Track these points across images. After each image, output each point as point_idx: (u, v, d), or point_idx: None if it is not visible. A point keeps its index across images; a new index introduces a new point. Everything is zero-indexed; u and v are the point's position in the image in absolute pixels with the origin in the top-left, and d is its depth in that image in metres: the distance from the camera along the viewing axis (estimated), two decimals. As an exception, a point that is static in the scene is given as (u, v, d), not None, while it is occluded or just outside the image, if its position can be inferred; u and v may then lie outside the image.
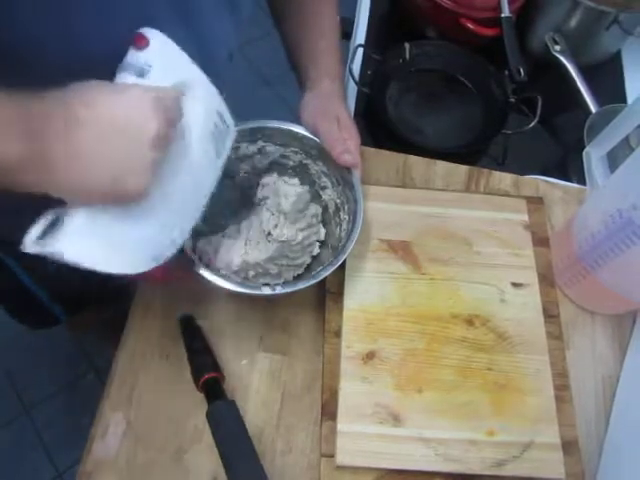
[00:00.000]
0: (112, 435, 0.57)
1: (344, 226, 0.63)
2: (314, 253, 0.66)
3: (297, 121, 0.63)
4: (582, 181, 0.78)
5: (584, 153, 0.78)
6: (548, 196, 0.75)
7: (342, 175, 0.62)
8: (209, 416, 0.55)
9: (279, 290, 0.55)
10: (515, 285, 0.66)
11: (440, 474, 0.56)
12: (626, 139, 0.73)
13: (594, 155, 0.76)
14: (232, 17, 0.57)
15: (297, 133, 0.62)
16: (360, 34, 0.96)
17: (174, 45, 0.44)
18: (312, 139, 0.62)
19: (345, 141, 0.60)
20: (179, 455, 0.57)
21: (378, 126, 0.84)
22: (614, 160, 0.75)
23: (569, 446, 0.57)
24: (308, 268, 0.67)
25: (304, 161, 0.65)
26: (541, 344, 0.62)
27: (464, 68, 0.88)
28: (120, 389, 0.60)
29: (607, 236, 0.59)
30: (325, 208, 0.68)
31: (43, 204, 0.41)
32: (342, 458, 0.55)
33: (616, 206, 0.57)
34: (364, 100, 0.86)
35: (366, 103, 0.86)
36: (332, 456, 0.56)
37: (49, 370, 1.41)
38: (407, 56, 0.87)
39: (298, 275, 0.66)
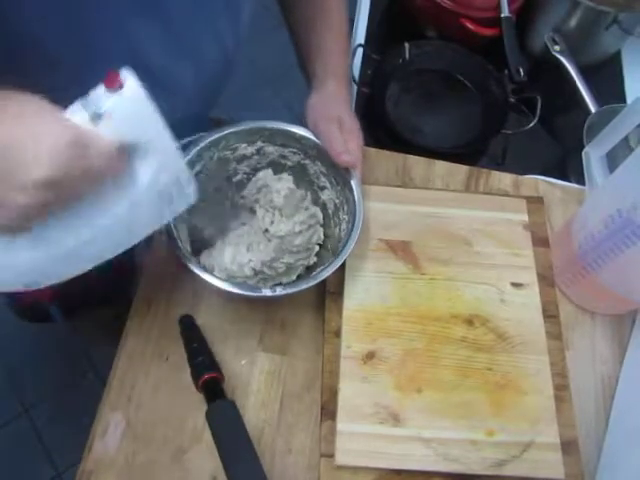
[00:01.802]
0: (112, 435, 0.58)
1: (343, 226, 0.63)
2: (313, 260, 0.66)
3: (297, 121, 0.63)
4: (582, 181, 0.78)
5: (583, 153, 0.78)
6: (548, 196, 0.75)
7: (341, 175, 0.62)
8: (209, 416, 0.55)
9: (279, 291, 0.55)
10: (515, 285, 0.66)
11: (440, 474, 0.56)
12: (625, 139, 0.73)
13: (593, 155, 0.76)
14: (226, 14, 0.57)
15: (295, 133, 0.62)
16: (360, 34, 0.96)
17: (147, 98, 0.39)
18: (311, 139, 0.62)
19: (346, 142, 0.60)
20: (179, 455, 0.57)
21: (378, 126, 0.84)
22: (614, 160, 0.75)
23: (569, 446, 0.57)
24: (308, 268, 0.67)
25: (302, 161, 0.65)
26: (541, 344, 0.62)
27: (464, 68, 0.88)
28: (120, 389, 0.60)
29: (607, 236, 0.59)
30: (324, 208, 0.67)
31: None
32: (342, 458, 0.55)
33: (616, 206, 0.57)
34: (364, 100, 0.86)
35: (366, 103, 0.86)
36: (332, 456, 0.56)
37: (49, 370, 1.41)
38: (407, 56, 0.87)
39: (298, 275, 0.66)
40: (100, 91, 0.38)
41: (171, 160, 0.45)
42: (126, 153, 0.41)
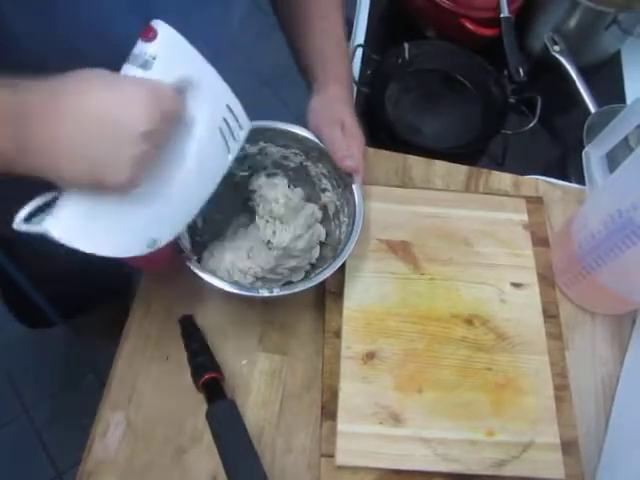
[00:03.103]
0: (112, 435, 0.58)
1: (343, 228, 0.63)
2: (316, 255, 0.66)
3: (297, 122, 0.63)
4: (582, 181, 0.78)
5: (584, 153, 0.78)
6: (548, 196, 0.75)
7: (342, 177, 0.62)
8: (209, 416, 0.55)
9: (276, 292, 0.55)
10: (515, 285, 0.66)
11: (440, 474, 0.56)
12: (625, 139, 0.73)
13: (593, 155, 0.76)
14: (217, 10, 0.56)
15: (298, 134, 0.62)
16: (359, 34, 0.96)
17: (182, 39, 0.44)
18: (313, 141, 0.62)
19: (348, 146, 0.60)
20: (179, 455, 0.57)
21: (377, 126, 0.84)
22: (614, 160, 0.75)
23: (569, 446, 0.57)
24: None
25: (304, 163, 0.65)
26: (541, 344, 0.62)
27: (464, 68, 0.88)
28: (120, 389, 0.60)
29: (607, 236, 0.59)
30: (325, 210, 0.67)
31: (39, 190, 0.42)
32: (342, 458, 0.55)
33: (616, 206, 0.57)
34: (363, 100, 0.86)
35: (365, 103, 0.86)
36: (332, 456, 0.56)
37: (49, 370, 1.41)
38: (406, 56, 0.87)
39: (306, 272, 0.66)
40: (140, 45, 0.43)
41: (220, 92, 0.48)
42: (181, 91, 0.44)
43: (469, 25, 0.87)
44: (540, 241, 0.70)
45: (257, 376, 0.62)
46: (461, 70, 0.89)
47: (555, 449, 0.57)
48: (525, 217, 0.70)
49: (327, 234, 0.67)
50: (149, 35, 0.42)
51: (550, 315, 0.65)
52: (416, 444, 0.56)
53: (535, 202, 0.72)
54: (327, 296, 0.64)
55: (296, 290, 0.55)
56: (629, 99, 0.92)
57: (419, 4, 0.91)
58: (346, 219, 0.62)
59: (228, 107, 0.49)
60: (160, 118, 0.41)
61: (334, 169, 0.62)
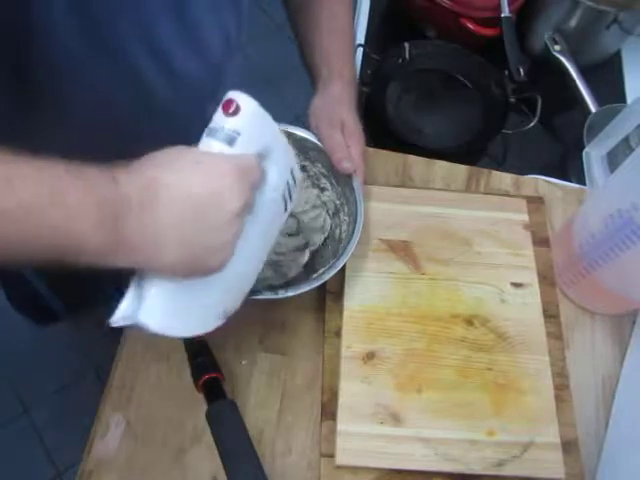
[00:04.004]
0: (112, 435, 0.57)
1: (344, 227, 0.63)
2: (318, 242, 0.66)
3: (297, 122, 0.63)
4: (582, 181, 0.78)
5: (584, 153, 0.78)
6: (548, 196, 0.75)
7: (342, 177, 0.62)
8: (209, 416, 0.55)
9: (282, 294, 0.55)
10: (515, 285, 0.66)
11: (440, 474, 0.56)
12: (626, 139, 0.73)
13: (594, 155, 0.76)
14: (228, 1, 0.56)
15: (295, 135, 0.62)
16: (360, 34, 0.96)
17: (262, 110, 0.44)
18: (311, 141, 0.62)
19: (347, 147, 0.59)
20: (179, 455, 0.57)
21: (378, 126, 0.84)
22: (614, 160, 0.75)
23: (569, 446, 0.58)
24: (309, 268, 0.67)
25: (302, 163, 0.65)
26: (541, 344, 0.62)
27: (464, 68, 0.88)
28: (120, 389, 0.60)
29: (607, 236, 0.59)
30: (324, 209, 0.67)
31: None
32: (342, 458, 0.55)
33: (616, 206, 0.57)
34: (364, 100, 0.86)
35: (366, 103, 0.86)
36: (332, 456, 0.56)
37: (49, 370, 1.41)
38: (407, 56, 0.87)
39: (298, 275, 0.66)
40: (221, 118, 0.42)
41: (287, 155, 0.49)
42: (261, 159, 0.45)
43: (470, 25, 0.87)
44: (540, 241, 0.70)
45: (257, 376, 0.62)
46: (461, 70, 0.89)
47: (555, 449, 0.57)
48: (525, 217, 0.70)
49: (327, 235, 0.67)
50: (231, 109, 0.42)
51: (550, 315, 0.65)
52: (416, 444, 0.56)
53: (536, 202, 0.72)
54: (327, 296, 0.64)
55: (300, 291, 0.55)
56: (629, 99, 0.92)
57: (419, 4, 0.91)
58: (346, 218, 0.62)
59: (291, 171, 0.50)
60: (249, 190, 0.41)
61: (333, 168, 0.62)
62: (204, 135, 0.43)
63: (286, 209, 0.51)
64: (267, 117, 0.45)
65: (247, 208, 0.42)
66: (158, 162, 0.39)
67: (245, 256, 0.46)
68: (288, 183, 0.49)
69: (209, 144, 0.42)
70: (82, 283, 0.81)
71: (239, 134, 0.42)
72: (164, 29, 0.50)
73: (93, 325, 1.13)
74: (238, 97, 0.42)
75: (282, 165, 0.48)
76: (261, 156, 0.45)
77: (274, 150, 0.46)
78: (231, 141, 0.42)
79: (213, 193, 0.39)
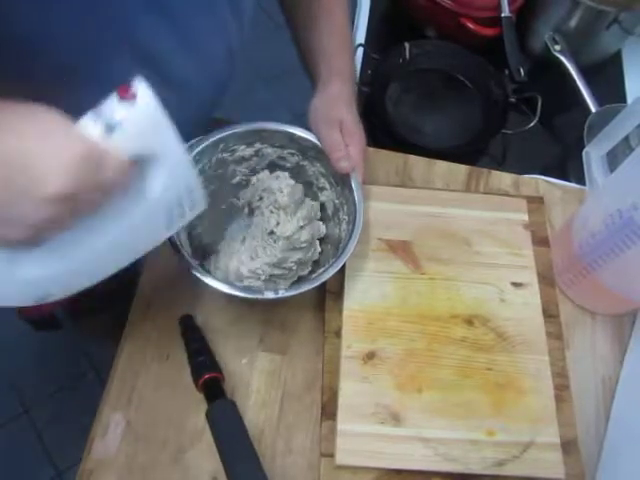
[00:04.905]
0: (112, 435, 0.58)
1: (343, 227, 0.63)
2: (318, 250, 0.66)
3: (296, 121, 0.63)
4: (582, 181, 0.78)
5: (584, 153, 0.78)
6: (548, 196, 0.75)
7: (341, 176, 0.62)
8: (209, 416, 0.55)
9: (282, 294, 0.55)
10: (515, 285, 0.66)
11: (440, 474, 0.56)
12: (626, 139, 0.72)
13: (594, 155, 0.76)
14: (230, 9, 0.56)
15: (294, 134, 0.62)
16: (360, 34, 0.96)
17: (160, 109, 0.38)
18: (309, 140, 0.62)
19: (346, 147, 0.59)
20: (179, 455, 0.57)
21: (378, 126, 0.84)
22: (614, 160, 0.75)
23: (569, 446, 0.57)
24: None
25: (301, 162, 0.65)
26: (541, 344, 0.62)
27: (464, 68, 0.88)
28: (120, 389, 0.60)
29: (607, 236, 0.59)
30: (323, 209, 0.67)
31: None
32: (342, 458, 0.55)
33: (616, 206, 0.57)
34: (364, 100, 0.86)
35: (366, 103, 0.86)
36: (332, 456, 0.56)
37: (49, 370, 1.41)
38: (407, 56, 0.87)
39: (299, 276, 0.66)
40: (113, 101, 0.37)
41: (182, 169, 0.44)
42: (138, 164, 0.40)
43: (470, 25, 0.87)
44: (540, 241, 0.70)
45: (257, 376, 0.62)
46: (461, 70, 0.89)
47: (555, 449, 0.57)
48: (525, 217, 0.70)
49: (327, 235, 0.67)
50: (127, 95, 0.37)
51: (550, 315, 0.65)
52: (416, 444, 0.56)
53: (535, 202, 0.72)
54: (327, 296, 0.64)
55: (301, 290, 0.55)
56: (629, 99, 0.92)
57: (420, 4, 0.91)
58: (346, 217, 0.62)
59: (187, 188, 0.45)
60: (89, 186, 0.36)
61: (332, 168, 0.62)
62: (89, 111, 0.37)
63: (170, 227, 0.48)
64: (164, 121, 0.39)
65: (76, 202, 0.36)
66: (23, 113, 0.35)
67: (83, 253, 0.43)
68: (179, 201, 0.45)
69: (85, 124, 0.37)
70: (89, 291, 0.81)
71: (121, 126, 0.37)
72: (157, 40, 0.50)
73: (91, 329, 1.14)
74: (139, 87, 0.37)
75: (172, 178, 0.43)
76: (140, 160, 0.40)
77: (163, 159, 0.41)
78: (110, 130, 0.37)
79: (33, 162, 0.34)
